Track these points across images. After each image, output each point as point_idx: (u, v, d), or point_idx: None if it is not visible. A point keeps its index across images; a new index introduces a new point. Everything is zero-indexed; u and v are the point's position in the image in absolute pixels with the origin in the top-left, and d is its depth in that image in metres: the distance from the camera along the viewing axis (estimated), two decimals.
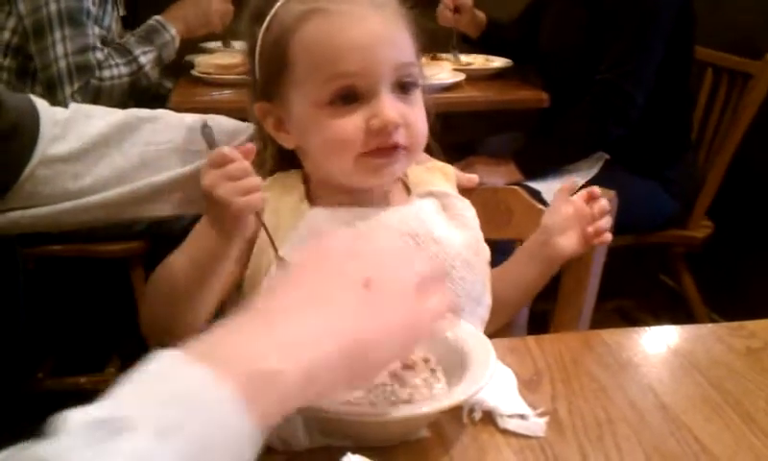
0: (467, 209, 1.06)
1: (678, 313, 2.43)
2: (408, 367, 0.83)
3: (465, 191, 1.15)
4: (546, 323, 1.20)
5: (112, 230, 1.76)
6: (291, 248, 0.96)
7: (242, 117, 1.13)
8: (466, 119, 2.36)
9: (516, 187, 1.22)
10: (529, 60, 2.54)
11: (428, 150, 1.12)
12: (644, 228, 2.29)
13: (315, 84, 0.93)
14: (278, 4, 0.95)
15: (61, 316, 2.21)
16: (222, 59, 2.42)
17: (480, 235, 1.06)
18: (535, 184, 2.18)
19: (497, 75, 2.56)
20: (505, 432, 0.78)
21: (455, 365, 0.82)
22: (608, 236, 1.01)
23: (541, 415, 0.80)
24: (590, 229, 1.00)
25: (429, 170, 1.09)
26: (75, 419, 0.46)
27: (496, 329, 1.05)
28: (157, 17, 2.27)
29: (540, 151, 2.29)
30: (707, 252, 2.40)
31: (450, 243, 1.01)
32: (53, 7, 1.97)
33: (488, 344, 0.82)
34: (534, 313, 1.22)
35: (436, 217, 1.03)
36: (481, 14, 2.60)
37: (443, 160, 1.14)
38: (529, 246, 1.07)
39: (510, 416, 0.79)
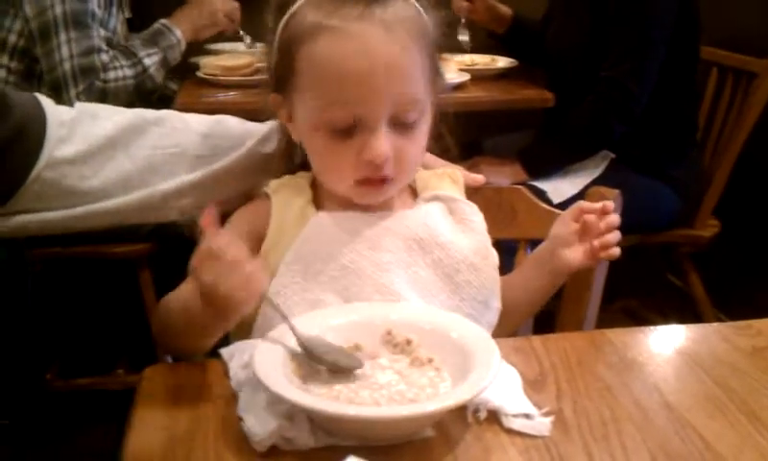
0: (474, 214, 1.06)
1: (685, 313, 2.42)
2: (414, 366, 0.84)
3: (469, 191, 1.15)
4: (551, 322, 1.20)
5: (119, 231, 1.77)
6: (295, 252, 0.96)
7: (248, 118, 1.13)
8: (471, 119, 2.36)
9: (519, 187, 1.22)
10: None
11: (444, 149, 1.13)
12: (650, 227, 2.29)
13: (315, 104, 0.94)
14: (300, 2, 0.94)
15: (69, 317, 2.22)
16: (227, 60, 2.43)
17: (488, 240, 1.05)
18: (540, 184, 2.18)
19: (502, 75, 2.57)
20: (510, 432, 0.78)
21: (460, 364, 0.82)
22: (616, 251, 0.99)
23: (546, 414, 0.80)
24: (596, 242, 0.98)
25: (437, 175, 1.09)
26: None
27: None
28: (163, 21, 2.29)
29: (544, 150, 2.29)
30: (714, 251, 2.39)
31: (456, 247, 1.01)
32: (58, 9, 1.98)
33: (492, 343, 0.83)
34: (539, 313, 1.22)
35: (441, 221, 1.03)
36: (506, 10, 2.59)
37: (453, 160, 1.15)
38: (537, 255, 1.06)
39: (515, 415, 0.79)
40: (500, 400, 0.80)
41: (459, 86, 2.34)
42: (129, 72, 2.11)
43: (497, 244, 1.18)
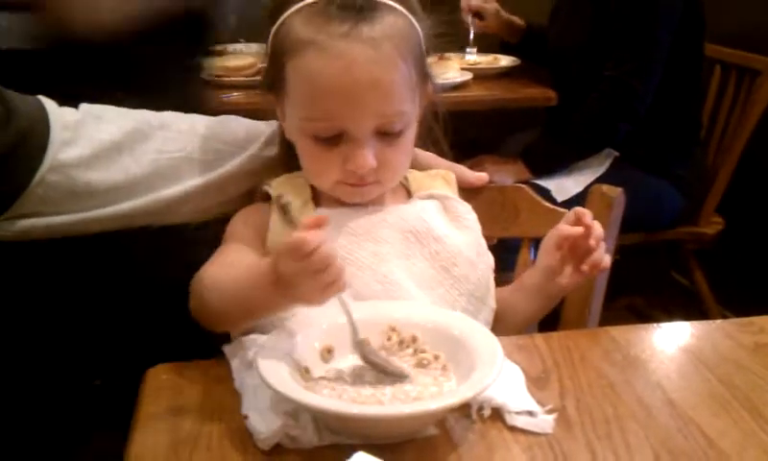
0: (468, 213, 1.07)
1: (690, 310, 2.43)
2: (420, 365, 0.84)
3: (473, 190, 1.16)
4: (555, 320, 1.20)
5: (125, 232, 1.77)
6: None
7: (253, 119, 1.14)
8: (474, 118, 2.36)
9: (522, 185, 1.22)
10: None
11: (440, 152, 1.13)
12: (654, 225, 2.29)
13: (302, 114, 0.96)
14: (290, 11, 0.95)
15: (75, 318, 2.22)
16: (231, 61, 2.43)
17: (482, 240, 1.06)
18: (544, 182, 2.18)
19: (505, 73, 2.57)
20: (513, 429, 0.78)
21: (463, 362, 0.82)
22: (606, 263, 0.97)
23: (550, 412, 0.80)
24: (586, 267, 0.97)
25: (431, 176, 1.10)
26: None
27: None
28: None
29: (548, 149, 2.30)
30: (718, 248, 2.39)
31: (452, 241, 1.02)
32: None
33: (496, 341, 0.83)
34: None
35: (437, 217, 1.04)
36: (518, 20, 2.61)
37: (451, 159, 1.15)
38: (530, 285, 1.04)
39: (518, 413, 0.79)
40: (503, 397, 0.80)
41: (461, 85, 2.34)
42: None
43: (501, 242, 1.19)
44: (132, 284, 1.21)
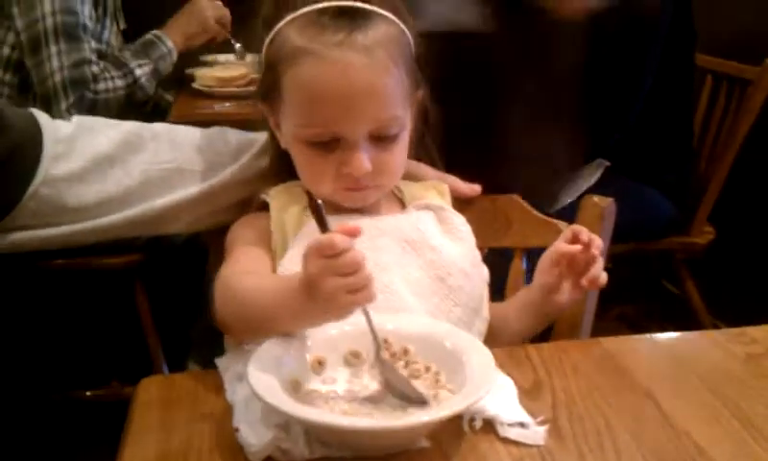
0: (462, 225, 1.07)
1: (681, 320, 2.43)
2: (413, 377, 0.84)
3: (465, 200, 1.16)
4: (547, 332, 1.20)
5: (113, 243, 1.77)
6: (292, 256, 0.97)
7: (243, 129, 1.14)
8: None
9: (514, 196, 1.22)
10: None
11: (432, 162, 1.13)
12: (646, 234, 2.29)
13: (298, 121, 0.97)
14: (284, 21, 0.96)
15: (64, 329, 2.22)
16: (222, 72, 2.44)
17: (477, 252, 1.07)
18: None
19: None
20: (505, 441, 0.78)
21: (455, 374, 0.82)
22: (603, 280, 0.97)
23: (542, 423, 0.80)
24: (584, 282, 0.97)
25: (424, 187, 1.11)
26: None
27: None
28: (155, 32, 2.29)
29: None
30: (709, 258, 2.40)
31: (447, 252, 1.02)
32: (49, 21, 1.98)
33: (488, 353, 0.83)
34: None
35: (432, 227, 1.04)
36: None
37: (443, 169, 1.16)
38: (528, 302, 1.05)
39: (510, 424, 0.79)
40: (495, 409, 0.80)
41: None
42: (119, 83, 2.11)
43: (494, 251, 1.19)
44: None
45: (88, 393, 2.13)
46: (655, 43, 2.04)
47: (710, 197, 2.33)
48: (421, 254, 1.01)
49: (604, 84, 1.89)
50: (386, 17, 0.96)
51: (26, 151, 0.98)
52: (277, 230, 1.00)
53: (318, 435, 0.76)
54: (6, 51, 2.03)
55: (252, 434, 0.75)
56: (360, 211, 1.02)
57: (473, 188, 1.18)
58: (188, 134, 1.10)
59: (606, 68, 1.86)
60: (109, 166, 1.03)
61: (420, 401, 0.79)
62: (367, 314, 0.83)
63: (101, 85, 2.07)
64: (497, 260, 1.12)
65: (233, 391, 0.84)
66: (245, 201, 1.09)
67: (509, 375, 0.87)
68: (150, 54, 2.23)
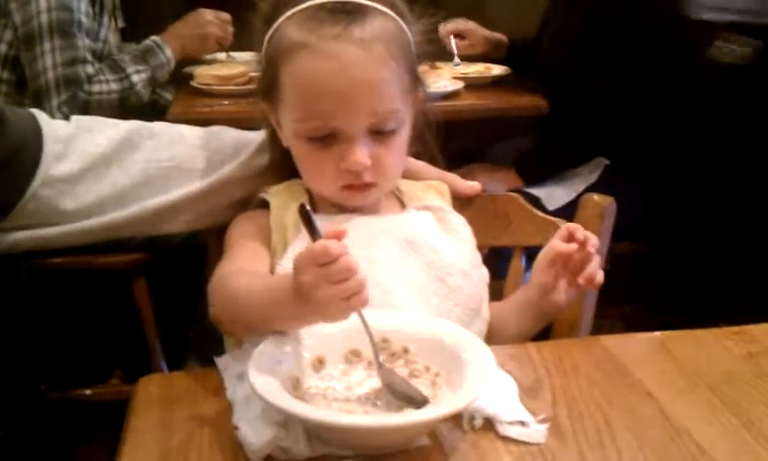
0: (462, 226, 1.07)
1: (682, 319, 2.42)
2: (413, 377, 0.84)
3: (465, 199, 1.16)
4: (547, 329, 1.20)
5: (113, 242, 1.77)
6: (291, 254, 0.97)
7: (243, 128, 1.14)
8: (465, 127, 2.37)
9: (513, 194, 1.22)
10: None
11: (432, 160, 1.13)
12: (644, 234, 2.30)
13: (296, 116, 0.97)
14: (282, 18, 0.96)
15: (63, 328, 2.22)
16: (221, 70, 2.43)
17: (477, 253, 1.07)
18: (535, 191, 2.18)
19: (496, 82, 2.57)
20: (505, 439, 0.78)
21: (455, 372, 0.82)
22: (600, 278, 0.97)
23: (542, 421, 0.80)
24: (581, 280, 0.96)
25: (424, 187, 1.11)
26: None
27: None
28: (155, 38, 2.28)
29: (539, 157, 2.30)
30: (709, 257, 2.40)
31: (446, 252, 1.02)
32: (44, 18, 1.98)
33: (487, 351, 0.83)
34: None
35: (432, 227, 1.05)
36: (500, 36, 2.61)
37: (443, 168, 1.15)
38: (525, 303, 1.04)
39: (510, 423, 0.79)
40: (495, 407, 0.80)
41: (453, 95, 2.34)
42: (114, 86, 2.11)
43: (493, 250, 1.19)
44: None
45: (89, 391, 2.12)
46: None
47: None
48: (421, 255, 1.01)
49: None
50: (384, 13, 0.97)
51: (27, 152, 0.99)
52: (277, 228, 1.00)
53: (318, 433, 0.76)
54: (3, 48, 2.03)
55: (252, 433, 0.75)
56: (360, 211, 1.02)
57: (473, 187, 1.18)
58: (187, 133, 1.10)
59: None
60: (108, 166, 1.03)
61: (423, 403, 0.79)
62: (363, 319, 0.82)
63: (95, 87, 2.06)
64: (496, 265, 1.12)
65: (233, 390, 0.83)
66: (244, 200, 1.09)
67: (509, 373, 0.87)
68: (149, 61, 2.22)
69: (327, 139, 0.96)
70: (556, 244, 0.98)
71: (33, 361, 2.10)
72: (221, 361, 0.89)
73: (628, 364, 0.93)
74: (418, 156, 1.12)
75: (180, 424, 0.80)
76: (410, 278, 0.99)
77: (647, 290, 2.83)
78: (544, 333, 1.14)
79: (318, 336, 0.87)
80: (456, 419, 0.79)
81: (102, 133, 1.05)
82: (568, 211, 1.20)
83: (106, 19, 2.22)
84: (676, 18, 2.19)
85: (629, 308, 2.70)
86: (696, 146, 2.41)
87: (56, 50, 1.99)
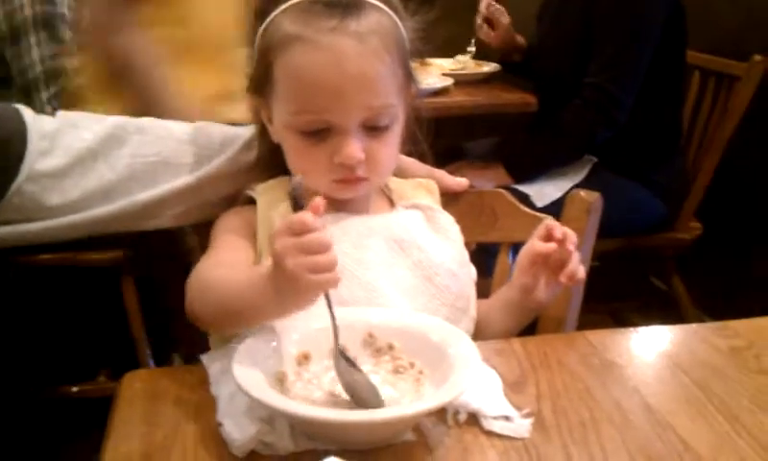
0: (451, 225, 1.07)
1: (668, 315, 2.44)
2: (397, 374, 0.84)
3: (452, 195, 1.16)
4: (533, 326, 1.20)
5: (99, 238, 1.76)
6: None
7: (232, 123, 1.13)
8: (454, 123, 2.37)
9: (501, 190, 1.22)
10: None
11: (421, 157, 1.13)
12: (633, 230, 2.30)
13: (290, 109, 0.96)
14: (277, 11, 0.96)
15: (50, 325, 2.21)
16: None
17: (465, 251, 1.07)
18: (523, 188, 2.19)
19: (485, 80, 2.58)
20: (489, 434, 0.78)
21: (440, 368, 0.82)
22: (581, 275, 0.97)
23: (526, 416, 0.80)
24: (563, 278, 0.96)
25: (413, 185, 1.11)
26: None
27: None
28: None
29: (528, 154, 2.30)
30: (696, 253, 2.41)
31: (435, 252, 1.02)
32: (28, 12, 1.97)
33: (472, 346, 0.83)
34: None
35: (420, 227, 1.05)
36: (521, 39, 2.60)
37: (432, 165, 1.15)
38: (509, 302, 1.04)
39: (494, 417, 0.79)
40: (480, 402, 0.80)
41: (442, 91, 2.35)
42: None
43: (480, 247, 1.19)
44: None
45: (75, 388, 2.12)
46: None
47: (697, 192, 2.35)
48: (409, 254, 1.01)
49: None
50: (379, 8, 0.96)
51: (11, 147, 0.98)
52: (264, 226, 0.99)
53: (302, 429, 0.76)
54: None
55: (236, 428, 0.75)
56: (348, 210, 1.01)
57: (460, 183, 1.18)
58: (174, 128, 1.09)
59: None
60: (94, 161, 1.03)
61: (376, 402, 0.78)
62: (329, 302, 0.82)
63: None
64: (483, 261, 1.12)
65: (218, 385, 0.83)
66: (232, 195, 1.08)
67: (494, 368, 0.87)
68: None
69: (321, 133, 0.95)
70: (536, 244, 0.98)
71: (19, 359, 2.09)
72: (206, 357, 0.89)
73: (613, 359, 0.93)
74: (408, 153, 1.12)
75: (164, 420, 0.80)
76: (398, 277, 0.99)
77: (635, 286, 2.84)
78: (531, 331, 1.14)
79: (303, 332, 0.87)
80: (440, 414, 0.79)
81: (88, 128, 1.04)
82: (557, 208, 1.20)
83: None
84: (669, 13, 2.19)
85: (617, 305, 2.72)
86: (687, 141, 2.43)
87: (42, 43, 1.99)
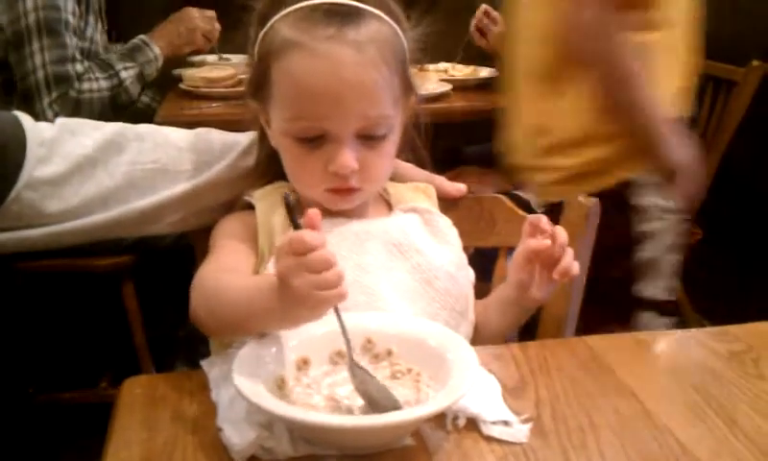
0: (449, 228, 1.08)
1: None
2: (395, 379, 0.84)
3: (451, 200, 1.16)
4: (533, 328, 1.21)
5: (100, 245, 1.77)
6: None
7: (231, 130, 1.13)
8: (453, 128, 2.37)
9: (499, 196, 1.23)
10: None
11: (420, 163, 1.13)
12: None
13: (285, 115, 0.96)
14: (277, 17, 0.96)
15: (52, 331, 2.21)
16: (210, 72, 2.44)
17: (463, 255, 1.07)
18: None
19: (484, 84, 2.58)
20: (489, 439, 0.78)
21: (439, 373, 0.82)
22: (575, 270, 0.97)
23: (525, 421, 0.80)
24: (556, 275, 0.96)
25: (411, 189, 1.11)
26: None
27: None
28: (142, 37, 2.30)
29: None
30: (696, 258, 2.41)
31: (433, 255, 1.02)
32: (31, 17, 1.98)
33: (471, 351, 0.83)
34: None
35: (419, 230, 1.05)
36: None
37: (431, 170, 1.16)
38: (505, 300, 1.05)
39: (493, 422, 0.79)
40: (479, 407, 0.80)
41: (441, 97, 2.35)
42: (104, 84, 2.11)
43: (478, 251, 1.19)
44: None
45: (76, 395, 2.12)
46: None
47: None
48: (408, 258, 1.01)
49: None
50: (379, 17, 0.96)
51: (9, 154, 0.98)
52: (264, 231, 0.99)
53: (302, 434, 0.76)
54: None
55: (236, 434, 0.75)
56: (347, 214, 1.02)
57: (459, 189, 1.18)
58: (173, 135, 1.09)
59: None
60: (93, 168, 1.03)
61: (391, 407, 0.78)
62: (339, 316, 0.82)
63: (85, 85, 2.06)
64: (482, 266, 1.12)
65: (218, 391, 0.83)
66: (231, 201, 1.08)
67: (493, 373, 0.87)
68: (136, 58, 2.23)
69: (316, 141, 0.95)
70: (530, 242, 0.99)
71: (20, 364, 2.09)
72: (206, 362, 0.89)
73: (612, 364, 0.94)
74: (406, 159, 1.12)
75: (164, 425, 0.80)
76: (397, 281, 0.99)
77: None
78: (530, 332, 1.14)
79: (303, 337, 0.87)
80: (439, 419, 0.79)
81: (87, 135, 1.05)
82: (556, 213, 1.20)
83: (92, 19, 2.22)
84: None
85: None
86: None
87: (44, 49, 1.99)
